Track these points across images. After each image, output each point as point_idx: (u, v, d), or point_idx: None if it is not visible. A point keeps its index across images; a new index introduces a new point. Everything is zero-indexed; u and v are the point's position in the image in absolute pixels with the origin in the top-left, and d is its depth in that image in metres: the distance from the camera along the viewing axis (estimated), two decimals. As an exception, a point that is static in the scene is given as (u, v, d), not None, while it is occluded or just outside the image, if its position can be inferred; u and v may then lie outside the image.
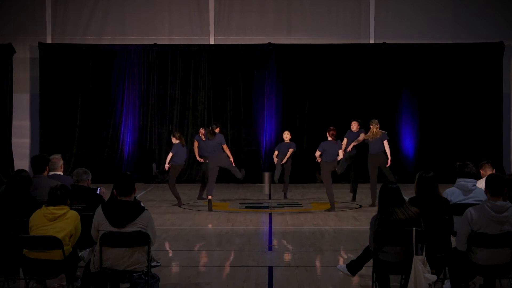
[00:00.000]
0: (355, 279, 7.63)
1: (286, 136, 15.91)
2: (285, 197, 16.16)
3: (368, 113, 20.59)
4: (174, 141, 15.06)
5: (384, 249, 6.65)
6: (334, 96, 20.76)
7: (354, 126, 15.11)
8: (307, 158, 20.19)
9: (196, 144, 15.52)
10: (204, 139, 15.00)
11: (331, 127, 14.20)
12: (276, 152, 15.92)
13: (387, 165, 14.47)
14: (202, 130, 15.71)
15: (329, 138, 14.01)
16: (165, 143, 20.60)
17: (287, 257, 9.61)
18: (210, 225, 12.80)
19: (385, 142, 14.55)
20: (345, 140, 15.08)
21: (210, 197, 14.24)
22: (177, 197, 15.07)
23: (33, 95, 21.06)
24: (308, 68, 20.76)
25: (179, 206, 14.89)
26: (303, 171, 20.19)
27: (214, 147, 14.29)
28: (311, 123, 20.73)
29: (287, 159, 15.65)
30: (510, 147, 20.97)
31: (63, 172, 8.99)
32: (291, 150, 15.68)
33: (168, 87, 20.88)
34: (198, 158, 15.59)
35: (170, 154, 14.86)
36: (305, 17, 21.04)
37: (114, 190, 6.61)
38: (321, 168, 14.16)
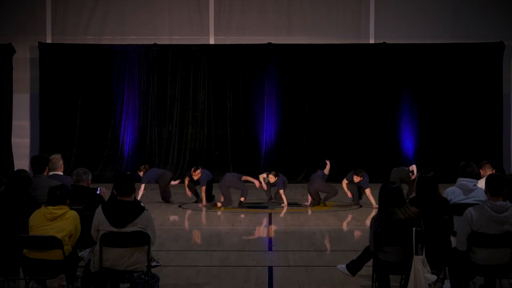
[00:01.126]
0: (355, 279, 7.62)
1: (272, 179, 14.70)
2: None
3: (368, 113, 20.62)
4: (141, 174, 15.00)
5: (384, 249, 6.65)
6: (334, 96, 20.75)
7: (357, 179, 14.38)
8: (307, 158, 20.20)
9: (187, 180, 15.17)
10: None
11: None
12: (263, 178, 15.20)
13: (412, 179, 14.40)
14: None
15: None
16: (165, 143, 20.62)
17: (287, 257, 9.60)
18: (210, 225, 12.79)
19: (414, 167, 14.92)
20: (349, 193, 14.73)
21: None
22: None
23: (33, 95, 21.06)
24: (308, 68, 20.74)
25: (179, 206, 14.91)
26: (303, 171, 20.18)
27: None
28: (311, 123, 20.72)
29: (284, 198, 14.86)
30: (510, 147, 20.96)
31: (63, 172, 8.98)
32: (282, 192, 14.79)
33: (168, 87, 20.88)
34: (188, 192, 15.31)
35: (142, 186, 14.65)
36: (305, 17, 21.03)
37: (114, 190, 6.61)
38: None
